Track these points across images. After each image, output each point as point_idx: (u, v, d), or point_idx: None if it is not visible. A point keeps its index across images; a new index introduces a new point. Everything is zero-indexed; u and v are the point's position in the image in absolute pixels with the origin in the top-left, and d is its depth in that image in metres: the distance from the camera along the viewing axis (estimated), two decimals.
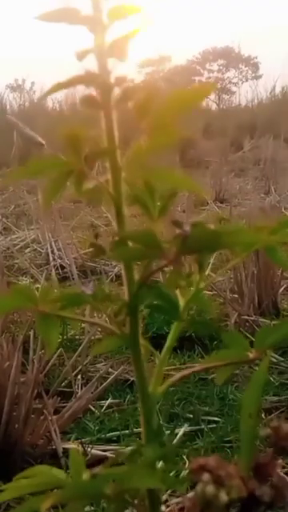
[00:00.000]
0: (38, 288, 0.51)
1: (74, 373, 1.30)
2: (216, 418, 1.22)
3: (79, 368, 1.32)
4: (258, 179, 4.48)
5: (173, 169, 0.47)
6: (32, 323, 1.31)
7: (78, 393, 1.27)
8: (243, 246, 0.48)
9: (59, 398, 1.16)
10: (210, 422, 1.21)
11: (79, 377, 1.31)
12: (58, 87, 0.43)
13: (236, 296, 1.74)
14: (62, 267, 2.51)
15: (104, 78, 0.42)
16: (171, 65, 8.15)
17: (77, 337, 1.62)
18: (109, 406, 1.25)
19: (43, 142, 1.20)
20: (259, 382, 0.46)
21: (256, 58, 8.60)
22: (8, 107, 7.88)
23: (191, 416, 1.23)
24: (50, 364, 1.26)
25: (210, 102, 8.84)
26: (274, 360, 1.49)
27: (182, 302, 0.49)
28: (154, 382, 0.48)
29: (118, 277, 2.47)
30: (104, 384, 1.15)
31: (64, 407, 1.19)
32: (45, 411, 1.04)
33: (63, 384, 1.27)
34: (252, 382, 0.46)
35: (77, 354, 1.31)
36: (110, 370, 1.34)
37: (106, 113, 0.43)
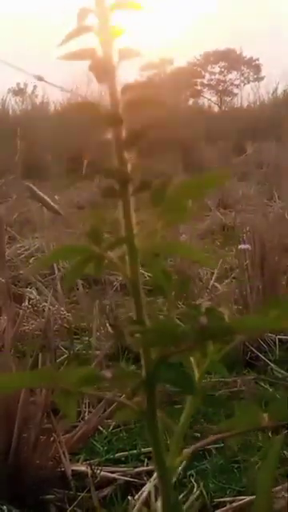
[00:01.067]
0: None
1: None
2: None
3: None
4: (260, 184, 4.48)
5: (185, 243, 0.48)
6: (41, 342, 1.32)
7: (85, 412, 1.28)
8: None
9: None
10: (217, 441, 1.22)
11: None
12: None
13: (241, 308, 1.75)
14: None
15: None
16: (173, 67, 8.15)
17: (84, 351, 1.63)
18: (116, 426, 1.26)
19: (60, 212, 1.22)
20: (274, 458, 0.47)
21: (258, 59, 8.60)
22: (10, 111, 7.90)
23: (198, 435, 1.23)
24: None
25: (212, 104, 8.85)
26: (280, 375, 1.49)
27: (197, 373, 0.50)
28: (171, 455, 0.48)
29: (123, 286, 2.48)
30: (112, 406, 1.16)
31: (72, 426, 1.20)
32: (54, 434, 1.04)
33: None
34: (267, 457, 0.47)
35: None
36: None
37: (125, 201, 0.44)
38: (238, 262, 1.77)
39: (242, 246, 1.65)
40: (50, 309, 1.58)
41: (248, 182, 4.60)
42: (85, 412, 1.27)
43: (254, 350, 1.58)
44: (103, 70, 0.43)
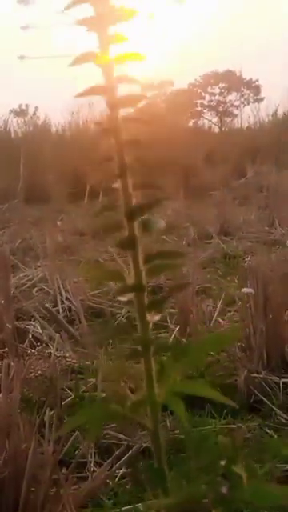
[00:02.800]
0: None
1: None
2: None
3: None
4: (261, 209, 4.50)
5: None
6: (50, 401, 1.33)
7: (91, 462, 1.28)
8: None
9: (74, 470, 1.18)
10: None
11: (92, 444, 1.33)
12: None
13: (244, 350, 1.76)
14: (70, 309, 2.53)
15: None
16: (173, 89, 8.22)
17: (87, 393, 1.64)
18: (122, 476, 1.26)
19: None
20: None
21: (257, 81, 8.69)
22: (12, 133, 7.95)
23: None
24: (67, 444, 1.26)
25: (213, 125, 8.91)
26: (284, 421, 1.50)
27: None
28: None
29: (126, 319, 2.50)
30: (121, 461, 1.17)
31: (78, 477, 1.21)
32: (62, 490, 1.05)
33: (76, 453, 1.29)
34: None
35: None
36: (122, 436, 1.36)
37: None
38: (240, 304, 1.79)
39: (245, 290, 1.67)
40: (55, 355, 1.59)
41: (248, 207, 4.62)
42: (91, 462, 1.28)
43: (257, 393, 1.59)
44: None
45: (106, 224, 0.45)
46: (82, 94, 0.48)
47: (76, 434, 1.42)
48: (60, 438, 1.32)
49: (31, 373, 1.53)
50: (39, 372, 1.57)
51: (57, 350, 1.95)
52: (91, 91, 0.47)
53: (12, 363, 1.22)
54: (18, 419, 1.04)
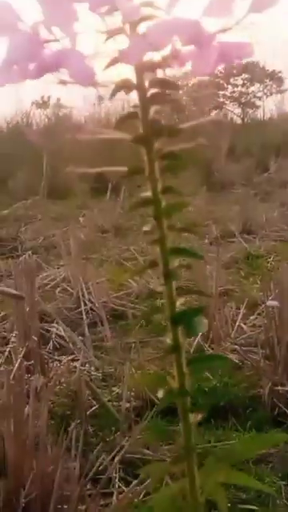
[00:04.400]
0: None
1: (112, 456, 1.33)
2: (253, 507, 1.24)
3: (117, 450, 1.35)
4: (285, 205, 4.46)
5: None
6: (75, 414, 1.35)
7: (116, 477, 1.29)
8: None
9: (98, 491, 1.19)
10: (247, 511, 1.23)
11: (116, 460, 1.34)
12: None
13: (268, 359, 1.76)
14: (93, 310, 2.54)
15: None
16: (195, 80, 8.14)
17: (114, 403, 1.65)
18: (147, 493, 1.27)
19: (23, 296, 1.23)
20: None
21: (280, 72, 8.56)
22: (34, 124, 7.96)
23: (228, 504, 1.24)
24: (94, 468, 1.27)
25: (235, 116, 8.83)
26: None
27: None
28: None
29: (148, 322, 2.50)
30: (145, 483, 1.17)
31: (102, 493, 1.23)
32: None
33: (100, 468, 1.30)
34: None
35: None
36: (147, 451, 1.37)
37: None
38: (265, 314, 1.78)
39: (270, 303, 1.66)
40: (81, 369, 1.60)
41: (271, 204, 4.58)
42: (115, 478, 1.29)
43: (281, 406, 1.59)
44: None
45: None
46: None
47: (100, 446, 1.44)
48: (85, 454, 1.34)
49: (56, 385, 1.54)
50: (64, 385, 1.59)
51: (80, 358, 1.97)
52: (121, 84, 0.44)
53: (39, 383, 1.23)
54: (46, 441, 1.05)
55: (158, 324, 0.44)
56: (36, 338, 1.60)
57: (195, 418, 0.44)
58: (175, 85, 0.43)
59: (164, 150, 0.43)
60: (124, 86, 0.42)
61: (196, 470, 0.45)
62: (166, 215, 0.43)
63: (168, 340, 0.43)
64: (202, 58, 0.38)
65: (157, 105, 0.43)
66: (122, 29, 0.36)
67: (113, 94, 0.42)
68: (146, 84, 0.42)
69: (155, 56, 0.37)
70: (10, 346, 2.03)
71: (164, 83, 0.42)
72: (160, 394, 0.44)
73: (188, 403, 0.44)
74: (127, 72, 0.40)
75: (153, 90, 0.42)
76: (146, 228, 0.43)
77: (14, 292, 1.17)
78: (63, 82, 0.38)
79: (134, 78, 0.42)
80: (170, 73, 0.51)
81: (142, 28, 0.36)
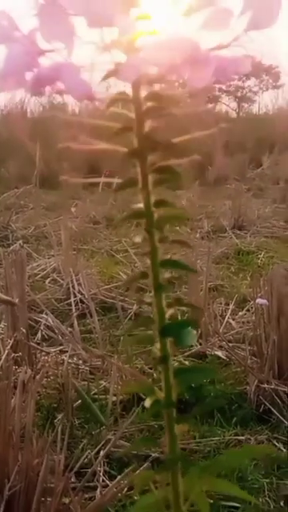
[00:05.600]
0: None
1: (97, 449, 1.34)
2: (236, 504, 1.25)
3: (102, 443, 1.36)
4: (277, 202, 4.47)
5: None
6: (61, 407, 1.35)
7: (100, 471, 1.30)
8: None
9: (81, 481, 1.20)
10: (229, 507, 1.24)
11: (101, 454, 1.34)
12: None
13: (255, 356, 1.77)
14: (82, 302, 2.54)
15: None
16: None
17: (99, 396, 1.65)
18: (131, 487, 1.28)
19: (15, 302, 1.23)
20: None
21: (277, 67, 8.56)
22: (28, 111, 7.91)
23: (211, 501, 1.25)
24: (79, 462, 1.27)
25: (230, 110, 8.81)
26: None
27: None
28: None
29: (137, 315, 2.50)
30: (127, 480, 1.18)
31: (86, 486, 1.23)
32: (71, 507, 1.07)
33: (85, 461, 1.30)
34: None
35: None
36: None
37: None
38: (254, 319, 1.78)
39: (259, 301, 1.67)
40: (68, 362, 1.61)
41: (264, 200, 4.59)
42: (100, 471, 1.30)
43: (266, 403, 1.60)
44: None
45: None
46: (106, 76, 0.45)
47: (85, 439, 1.44)
48: (71, 447, 1.34)
49: (44, 378, 1.54)
50: (51, 378, 1.59)
51: (67, 349, 1.97)
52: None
53: (26, 376, 1.23)
54: (32, 434, 1.05)
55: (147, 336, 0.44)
56: (24, 330, 1.60)
57: (181, 428, 0.45)
58: (171, 99, 0.43)
59: (158, 165, 0.43)
60: (119, 100, 0.41)
61: (180, 479, 0.45)
62: (158, 228, 0.43)
63: (156, 350, 0.43)
64: (198, 74, 0.38)
65: (152, 119, 0.43)
66: (118, 43, 0.36)
67: (108, 107, 0.41)
68: (142, 97, 0.42)
69: (151, 71, 0.37)
70: None
71: (160, 97, 0.42)
72: (147, 402, 0.44)
73: (174, 413, 0.44)
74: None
75: (148, 104, 0.42)
76: (137, 239, 0.43)
77: (5, 297, 1.16)
78: (60, 92, 0.38)
79: (129, 91, 0.42)
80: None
81: (139, 43, 0.36)
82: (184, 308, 0.50)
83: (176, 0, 0.43)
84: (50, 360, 1.66)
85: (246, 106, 8.90)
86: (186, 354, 1.98)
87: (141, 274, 0.44)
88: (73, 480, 1.25)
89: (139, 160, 0.43)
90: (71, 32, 0.35)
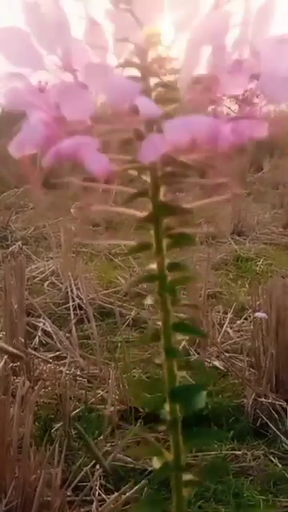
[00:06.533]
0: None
1: (93, 463, 1.33)
2: None
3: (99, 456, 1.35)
4: (276, 207, 4.46)
5: None
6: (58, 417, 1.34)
7: (96, 485, 1.30)
8: None
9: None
10: None
11: (97, 467, 1.34)
12: None
13: (253, 367, 1.77)
14: (80, 307, 2.54)
15: None
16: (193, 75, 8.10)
17: (96, 406, 1.65)
18: (126, 502, 1.28)
19: (22, 356, 1.22)
20: None
21: None
22: None
23: None
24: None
25: (232, 112, 8.79)
26: None
27: None
28: None
29: (135, 321, 2.50)
30: (132, 490, 1.18)
31: (82, 500, 1.23)
32: None
33: (81, 475, 1.30)
34: None
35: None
36: (129, 459, 1.37)
37: None
38: (253, 330, 1.78)
39: (258, 315, 1.67)
40: (66, 373, 1.60)
41: (264, 205, 4.58)
42: (96, 485, 1.30)
43: (263, 417, 1.60)
44: None
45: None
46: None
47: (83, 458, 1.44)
48: (68, 458, 1.34)
49: (42, 389, 1.54)
50: (49, 388, 1.59)
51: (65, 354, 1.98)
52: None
53: (23, 390, 1.23)
54: (29, 449, 1.05)
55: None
56: (23, 340, 1.60)
57: (188, 491, 0.45)
58: (187, 165, 0.43)
59: (173, 231, 0.43)
60: (136, 168, 0.41)
61: None
62: (171, 291, 0.43)
63: (166, 414, 0.43)
64: (216, 145, 0.38)
65: (168, 185, 0.43)
66: (138, 123, 0.36)
67: (124, 171, 0.41)
68: (158, 163, 0.42)
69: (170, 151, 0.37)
70: None
71: (176, 163, 0.42)
72: (155, 463, 0.44)
73: (182, 477, 0.44)
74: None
75: (164, 170, 0.42)
76: (148, 301, 0.43)
77: (12, 350, 1.16)
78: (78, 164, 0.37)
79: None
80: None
81: (160, 123, 0.36)
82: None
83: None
84: (47, 370, 1.65)
85: (247, 108, 8.88)
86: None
87: (153, 335, 0.44)
88: (69, 493, 1.25)
89: (154, 225, 0.43)
90: (92, 109, 0.35)
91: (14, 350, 1.13)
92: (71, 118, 0.36)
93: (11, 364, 1.48)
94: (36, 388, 1.34)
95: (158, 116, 0.35)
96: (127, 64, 0.40)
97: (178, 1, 0.39)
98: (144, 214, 0.44)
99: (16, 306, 1.79)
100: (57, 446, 1.16)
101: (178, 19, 0.40)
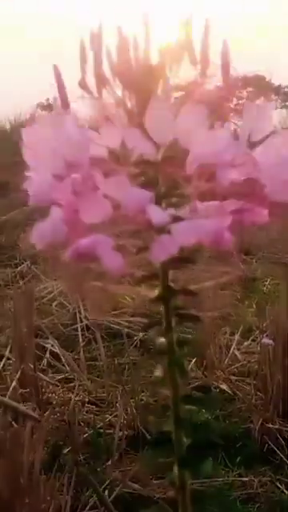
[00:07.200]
0: None
1: (102, 488, 1.35)
2: None
3: (106, 483, 1.37)
4: (284, 227, 4.47)
5: None
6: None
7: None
8: None
9: None
10: None
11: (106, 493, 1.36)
12: None
13: (260, 393, 1.78)
14: (88, 328, 2.56)
15: None
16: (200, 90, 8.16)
17: (104, 431, 1.66)
18: None
19: (38, 418, 1.25)
20: None
21: (286, 87, 8.61)
22: None
23: None
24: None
25: (238, 129, 8.83)
26: None
27: None
28: None
29: (142, 342, 2.51)
30: None
31: None
32: None
33: (91, 502, 1.32)
34: None
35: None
36: (137, 486, 1.39)
37: None
38: (260, 357, 1.80)
39: (265, 341, 1.68)
40: (74, 401, 1.62)
41: (271, 224, 4.59)
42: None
43: (270, 443, 1.61)
44: None
45: None
46: None
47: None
48: (77, 484, 1.35)
49: (51, 416, 1.56)
50: (58, 415, 1.61)
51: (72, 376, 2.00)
52: None
53: (34, 420, 1.25)
54: (39, 480, 1.07)
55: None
56: (32, 365, 1.62)
57: None
58: (191, 259, 0.46)
59: (180, 312, 0.46)
60: (148, 277, 0.44)
61: None
62: (179, 365, 0.45)
63: (175, 478, 0.45)
64: (219, 245, 0.41)
65: (175, 269, 0.46)
66: (150, 228, 0.39)
67: (140, 283, 0.44)
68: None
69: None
70: (3, 362, 2.05)
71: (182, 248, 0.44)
72: None
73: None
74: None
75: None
76: (157, 373, 0.45)
77: (28, 412, 1.18)
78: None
79: None
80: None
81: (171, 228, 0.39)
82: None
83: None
84: (56, 396, 1.67)
85: None
86: (190, 386, 1.99)
87: (163, 406, 0.46)
88: None
89: (163, 305, 0.46)
90: (108, 213, 0.38)
91: (30, 412, 1.15)
92: (89, 222, 0.39)
93: (20, 390, 1.50)
94: (46, 415, 1.36)
95: (166, 223, 0.38)
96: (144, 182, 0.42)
97: None
98: (154, 294, 0.47)
99: (25, 330, 1.81)
100: (66, 476, 1.17)
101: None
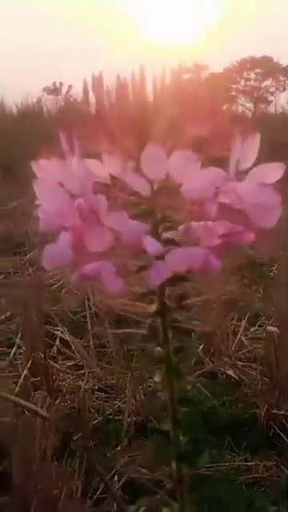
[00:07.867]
0: None
1: (111, 474, 1.39)
2: None
3: (116, 469, 1.41)
4: None
5: None
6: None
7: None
8: None
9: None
10: None
11: (116, 478, 1.40)
12: None
13: (265, 379, 1.81)
14: (97, 314, 2.60)
15: None
16: (208, 73, 8.13)
17: (113, 417, 1.71)
18: None
19: (47, 417, 1.28)
20: None
21: None
22: (45, 110, 7.97)
23: None
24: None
25: (246, 110, 8.81)
26: None
27: None
28: None
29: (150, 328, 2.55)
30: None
31: None
32: None
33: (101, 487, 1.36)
34: None
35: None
36: (146, 471, 1.43)
37: None
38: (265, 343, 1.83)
39: (270, 329, 1.71)
40: (84, 389, 1.66)
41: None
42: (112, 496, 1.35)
43: (276, 428, 1.64)
44: None
45: None
46: None
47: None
48: (87, 470, 1.40)
49: (61, 403, 1.60)
50: (68, 402, 1.65)
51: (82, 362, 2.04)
52: None
53: (45, 405, 1.29)
54: (51, 468, 1.11)
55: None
56: (42, 354, 1.66)
57: None
58: (185, 278, 0.49)
59: (177, 325, 0.49)
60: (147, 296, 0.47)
61: None
62: (176, 373, 0.48)
63: (173, 471, 0.49)
64: (207, 270, 0.44)
65: (172, 286, 0.49)
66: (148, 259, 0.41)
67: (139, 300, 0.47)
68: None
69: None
70: (14, 349, 2.10)
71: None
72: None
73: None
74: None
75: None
76: (156, 378, 0.48)
77: (38, 411, 1.22)
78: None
79: None
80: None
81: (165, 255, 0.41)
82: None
83: None
84: (66, 384, 1.71)
85: (262, 106, 8.89)
86: (197, 372, 2.03)
87: (161, 405, 0.49)
88: (89, 504, 1.31)
89: (161, 319, 0.49)
90: (110, 243, 0.41)
91: (39, 410, 1.18)
92: (93, 250, 0.42)
93: (32, 379, 1.55)
94: (56, 403, 1.40)
95: (160, 252, 0.41)
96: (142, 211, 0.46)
97: None
98: (153, 309, 0.50)
99: (35, 319, 1.85)
100: (77, 462, 1.21)
101: None
